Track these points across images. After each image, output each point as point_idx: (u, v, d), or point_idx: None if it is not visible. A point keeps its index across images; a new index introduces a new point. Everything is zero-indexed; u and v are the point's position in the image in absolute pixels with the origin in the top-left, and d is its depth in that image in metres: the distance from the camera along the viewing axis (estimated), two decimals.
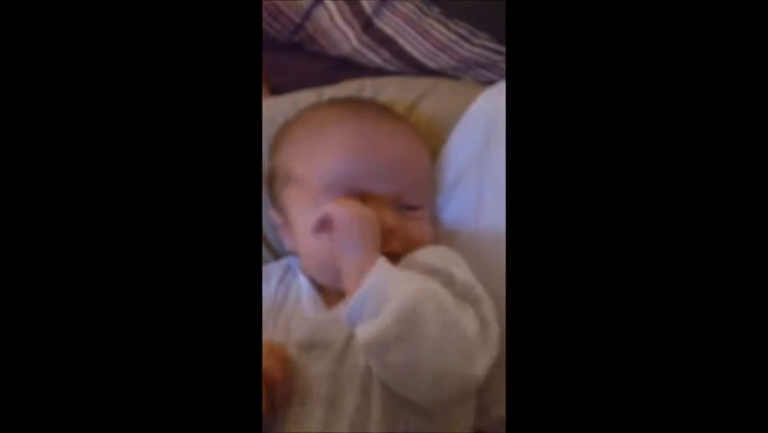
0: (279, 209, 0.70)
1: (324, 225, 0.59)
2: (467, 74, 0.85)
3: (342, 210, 0.59)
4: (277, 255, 0.76)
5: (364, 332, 0.54)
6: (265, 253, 0.76)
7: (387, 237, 0.61)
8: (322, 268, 0.65)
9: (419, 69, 0.86)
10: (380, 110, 0.73)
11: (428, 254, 0.63)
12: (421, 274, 0.59)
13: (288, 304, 0.66)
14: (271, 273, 0.70)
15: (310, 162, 0.66)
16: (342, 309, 0.57)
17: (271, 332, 0.63)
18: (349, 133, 0.66)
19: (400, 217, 0.65)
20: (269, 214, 0.72)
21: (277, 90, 0.96)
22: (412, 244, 0.64)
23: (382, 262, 0.57)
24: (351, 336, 0.59)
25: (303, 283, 0.67)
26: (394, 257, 0.60)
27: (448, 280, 0.59)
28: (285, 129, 0.73)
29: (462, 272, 0.61)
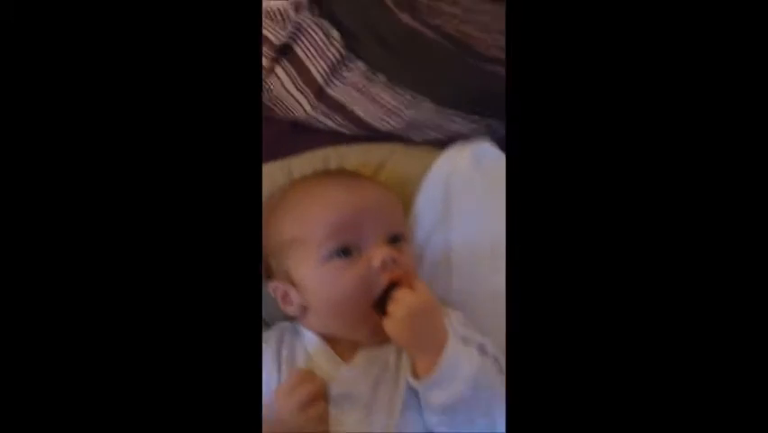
0: (284, 276, 0.77)
1: (410, 314, 0.69)
2: (414, 134, 0.92)
3: (418, 300, 0.70)
4: (267, 323, 0.81)
5: (441, 395, 0.67)
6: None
7: (390, 268, 0.72)
8: (338, 318, 0.74)
9: (371, 131, 0.93)
10: (354, 173, 0.84)
11: (458, 323, 0.74)
12: (466, 345, 0.71)
13: (297, 361, 0.75)
14: (268, 337, 0.78)
15: (309, 222, 0.75)
16: (423, 379, 0.68)
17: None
18: (337, 190, 0.78)
19: (395, 250, 0.74)
20: (269, 288, 0.78)
21: None
22: (408, 273, 0.74)
23: (453, 341, 0.69)
24: (377, 385, 0.71)
25: (311, 339, 0.76)
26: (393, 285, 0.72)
27: (482, 351, 0.71)
28: (274, 206, 0.80)
29: (488, 342, 0.72)
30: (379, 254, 0.72)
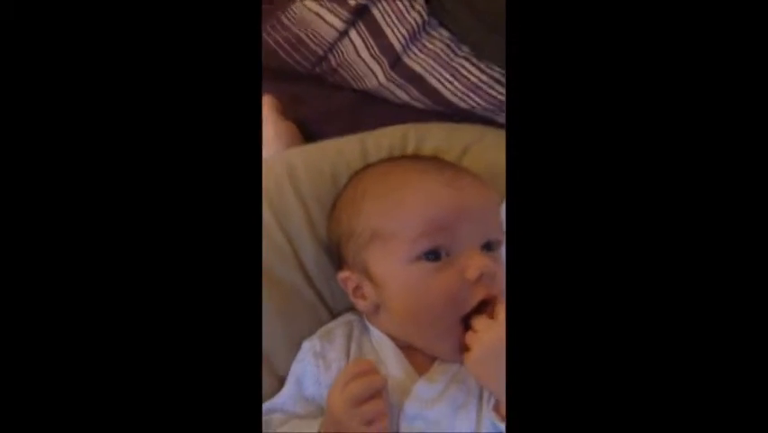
0: (360, 268, 0.69)
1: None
2: (499, 116, 0.84)
3: (498, 335, 0.60)
4: (332, 313, 0.75)
5: None
6: (323, 311, 0.75)
7: (486, 283, 0.64)
8: (418, 327, 0.66)
9: (449, 108, 0.85)
10: (450, 163, 0.74)
11: None
12: None
13: None
14: (335, 332, 0.70)
15: (401, 215, 0.67)
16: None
17: None
18: (435, 185, 0.68)
19: (491, 261, 0.66)
20: (338, 277, 0.71)
21: (299, 123, 0.95)
22: (500, 293, 0.65)
23: None
24: (457, 410, 0.63)
25: (382, 342, 0.68)
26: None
27: None
28: (355, 191, 0.72)
29: None
30: (475, 265, 0.64)
